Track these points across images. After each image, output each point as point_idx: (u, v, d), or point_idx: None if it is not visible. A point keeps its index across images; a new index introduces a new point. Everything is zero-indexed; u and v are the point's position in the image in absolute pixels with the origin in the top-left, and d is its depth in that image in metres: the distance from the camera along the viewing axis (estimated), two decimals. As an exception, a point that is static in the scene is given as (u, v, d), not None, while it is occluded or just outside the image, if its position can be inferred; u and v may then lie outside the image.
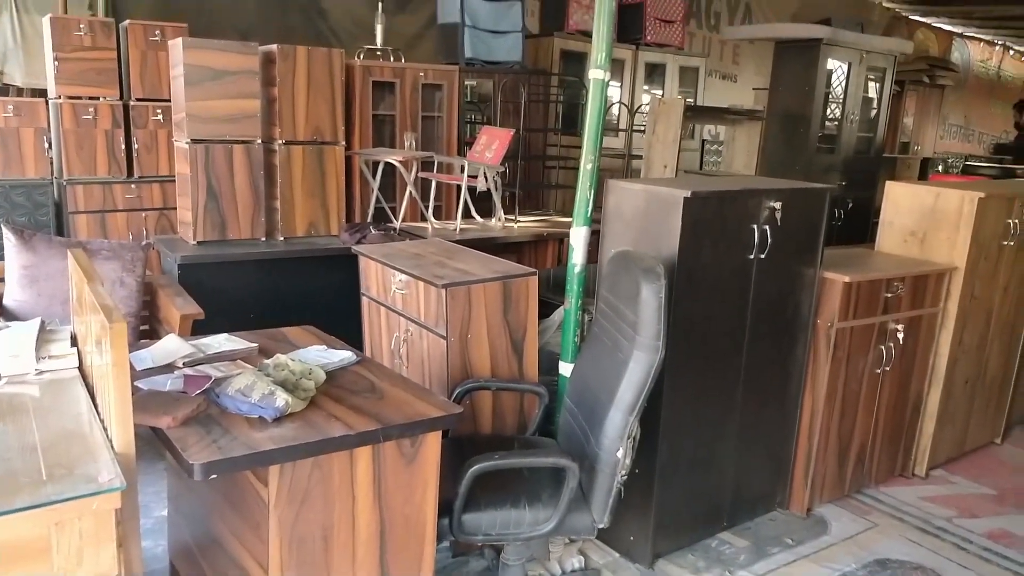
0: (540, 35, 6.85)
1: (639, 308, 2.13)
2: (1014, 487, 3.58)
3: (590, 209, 2.77)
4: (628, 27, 7.17)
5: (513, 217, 4.78)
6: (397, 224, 4.21)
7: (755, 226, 2.68)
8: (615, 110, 6.84)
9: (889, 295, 3.16)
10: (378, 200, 4.49)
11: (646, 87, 7.39)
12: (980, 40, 11.43)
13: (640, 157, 5.68)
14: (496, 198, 4.65)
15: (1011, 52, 11.90)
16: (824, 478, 3.21)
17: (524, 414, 2.68)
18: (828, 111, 5.99)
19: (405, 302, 2.66)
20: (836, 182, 5.98)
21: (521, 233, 4.66)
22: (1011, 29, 10.30)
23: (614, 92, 7.10)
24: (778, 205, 2.70)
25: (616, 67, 7.08)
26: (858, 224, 6.22)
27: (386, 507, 1.74)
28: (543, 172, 6.54)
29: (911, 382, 3.44)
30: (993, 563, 2.95)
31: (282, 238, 3.90)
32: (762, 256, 2.72)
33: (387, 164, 4.31)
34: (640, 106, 6.60)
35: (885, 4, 9.71)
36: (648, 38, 7.17)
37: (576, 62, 6.78)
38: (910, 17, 10.15)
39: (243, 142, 3.77)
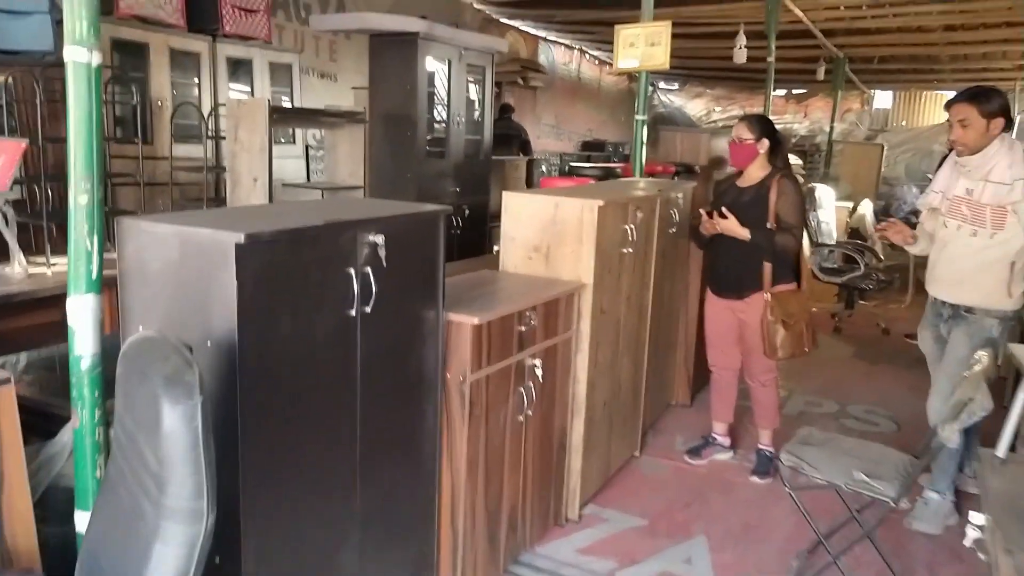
0: (81, 19, 5.41)
1: (162, 446, 1.24)
2: (660, 509, 3.36)
3: (99, 265, 1.77)
4: (201, 14, 6.01)
5: (44, 260, 3.46)
6: None
7: (352, 270, 1.91)
8: (188, 111, 5.67)
9: (523, 328, 2.65)
10: None
11: (232, 86, 6.32)
12: (562, 44, 12.26)
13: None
14: (9, 236, 3.30)
15: (587, 56, 13.01)
16: (476, 561, 2.60)
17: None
18: (435, 113, 5.56)
19: None
20: (450, 188, 5.59)
21: (59, 282, 3.36)
22: (587, 34, 11.13)
23: (191, 90, 5.92)
24: (380, 239, 1.97)
25: (191, 61, 5.90)
26: (477, 231, 5.92)
27: None
28: (106, 192, 5.16)
29: (554, 419, 3.00)
30: (663, 622, 2.60)
31: None
32: (367, 309, 1.97)
33: None
34: (216, 106, 5.53)
35: (476, 5, 9.79)
36: (227, 29, 6.09)
37: (134, 54, 5.46)
38: (500, 20, 10.41)
39: None
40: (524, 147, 8.91)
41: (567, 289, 2.95)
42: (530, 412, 2.75)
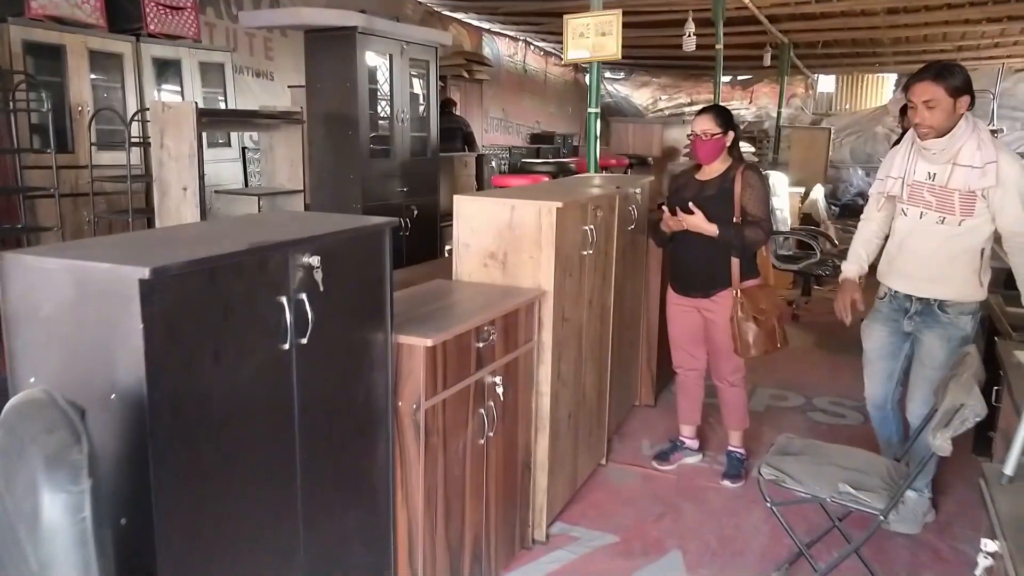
0: (-11, 21, 5.01)
1: (43, 545, 1.01)
2: (631, 523, 3.19)
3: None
4: (122, 13, 5.67)
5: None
6: None
7: (284, 298, 1.68)
8: (110, 117, 5.31)
9: (481, 344, 2.44)
10: None
11: (162, 86, 5.97)
12: (506, 36, 12.04)
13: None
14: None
15: (532, 47, 12.81)
16: (438, 600, 2.40)
17: None
18: (378, 110, 5.30)
19: None
20: (396, 188, 5.34)
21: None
22: (531, 25, 10.93)
23: (115, 94, 5.56)
24: (316, 261, 1.74)
25: (113, 63, 5.54)
26: (426, 231, 5.68)
27: None
28: (20, 207, 4.79)
29: (517, 437, 2.81)
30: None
31: None
32: (303, 341, 1.74)
33: None
34: (140, 110, 5.18)
35: (417, -1, 9.53)
36: (151, 28, 5.75)
37: (50, 57, 5.10)
38: (442, 12, 10.15)
39: None
40: (468, 140, 8.72)
41: (527, 298, 2.76)
42: (491, 434, 2.55)
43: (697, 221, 3.37)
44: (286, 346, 1.70)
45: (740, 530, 3.16)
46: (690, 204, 3.40)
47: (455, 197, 2.96)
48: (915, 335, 3.02)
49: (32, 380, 1.46)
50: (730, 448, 3.68)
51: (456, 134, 8.62)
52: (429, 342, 2.12)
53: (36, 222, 4.83)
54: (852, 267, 3.20)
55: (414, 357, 2.13)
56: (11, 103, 4.63)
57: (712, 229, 3.35)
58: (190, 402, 1.48)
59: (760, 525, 3.17)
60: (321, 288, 1.76)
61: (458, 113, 9.02)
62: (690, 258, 3.53)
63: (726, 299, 3.43)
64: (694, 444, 3.81)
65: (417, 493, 2.20)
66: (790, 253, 6.92)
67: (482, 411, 2.49)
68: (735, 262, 3.41)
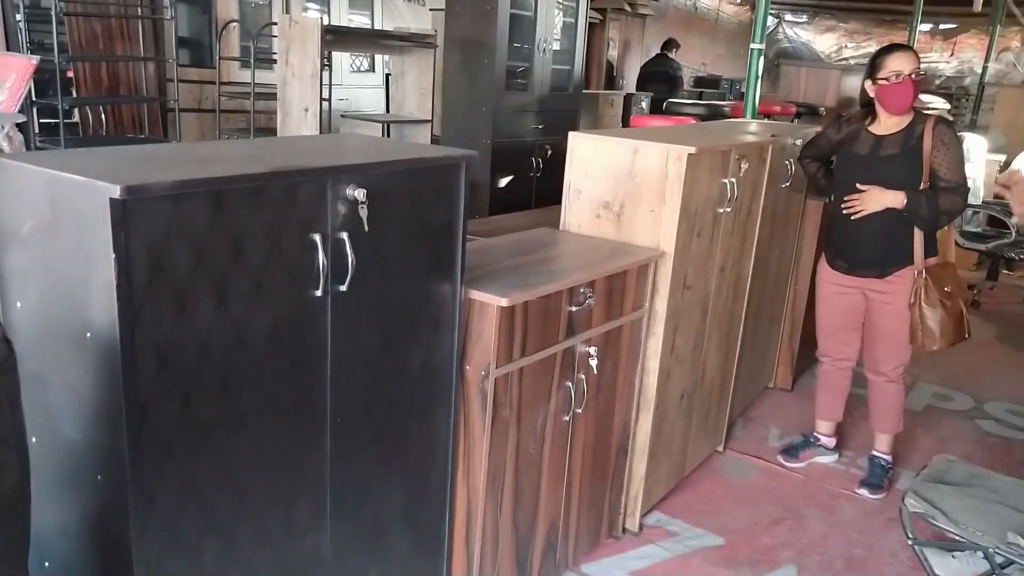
0: (145, -71, 5.04)
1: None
2: (741, 525, 2.78)
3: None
4: (276, -72, 5.58)
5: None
6: None
7: (319, 236, 1.40)
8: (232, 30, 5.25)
9: (575, 308, 2.09)
10: None
11: (308, 5, 5.89)
12: (677, -30, 11.24)
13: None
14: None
15: (706, -17, 11.90)
16: (500, 588, 2.13)
17: None
18: (518, 39, 4.93)
19: None
20: (531, 125, 4.99)
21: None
22: (705, -42, 10.09)
23: (263, 11, 5.52)
24: (361, 195, 1.45)
25: (262, -21, 5.49)
26: (559, 173, 5.33)
27: None
28: (163, 119, 4.86)
29: (613, 417, 2.45)
30: None
31: None
32: (342, 288, 1.46)
33: None
34: (265, 25, 5.05)
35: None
36: (302, -57, 5.63)
37: (200, -31, 5.10)
38: (610, -59, 9.51)
39: None
40: (673, 83, 8.33)
41: (641, 258, 2.36)
42: (579, 410, 2.22)
43: (881, 197, 2.81)
44: (319, 293, 1.43)
45: (872, 553, 2.68)
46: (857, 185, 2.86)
47: (571, 135, 2.58)
48: None
49: (18, 305, 1.27)
50: (875, 452, 3.15)
51: (660, 76, 8.26)
52: (504, 301, 1.80)
53: (177, 136, 4.88)
54: None
55: (486, 317, 1.82)
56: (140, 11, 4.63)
57: (899, 199, 2.78)
58: (184, 352, 1.24)
59: (898, 551, 2.67)
60: (366, 227, 1.47)
61: (672, 55, 8.72)
62: (862, 230, 2.95)
63: (904, 280, 2.87)
64: (830, 443, 3.30)
65: (479, 472, 1.91)
66: (979, 230, 5.99)
67: (569, 384, 2.15)
68: (919, 236, 2.83)
